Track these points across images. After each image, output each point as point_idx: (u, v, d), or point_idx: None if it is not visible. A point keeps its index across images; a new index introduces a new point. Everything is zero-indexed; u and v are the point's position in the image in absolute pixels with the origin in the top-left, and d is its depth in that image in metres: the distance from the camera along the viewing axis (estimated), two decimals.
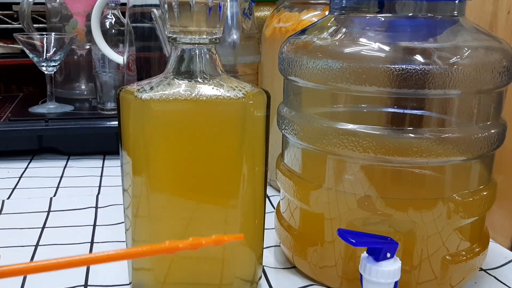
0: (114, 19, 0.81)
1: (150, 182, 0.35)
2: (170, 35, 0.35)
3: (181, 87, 0.34)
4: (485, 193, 0.38)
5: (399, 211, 0.36)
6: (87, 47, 0.85)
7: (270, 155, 0.38)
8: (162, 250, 0.20)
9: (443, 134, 0.35)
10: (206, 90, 0.34)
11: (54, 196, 0.59)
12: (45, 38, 0.73)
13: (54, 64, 0.76)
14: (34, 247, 0.46)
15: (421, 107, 0.35)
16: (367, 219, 0.37)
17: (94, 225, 0.51)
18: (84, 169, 0.68)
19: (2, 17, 0.97)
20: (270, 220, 0.46)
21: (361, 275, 0.32)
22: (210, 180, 0.36)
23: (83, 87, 0.89)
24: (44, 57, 0.74)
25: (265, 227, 0.39)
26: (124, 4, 0.73)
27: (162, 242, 0.20)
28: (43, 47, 0.73)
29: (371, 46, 0.35)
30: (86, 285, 0.40)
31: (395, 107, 0.36)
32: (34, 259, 0.44)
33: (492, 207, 0.40)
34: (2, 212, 0.54)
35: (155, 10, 0.60)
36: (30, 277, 0.41)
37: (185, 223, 0.36)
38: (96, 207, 0.56)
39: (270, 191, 0.60)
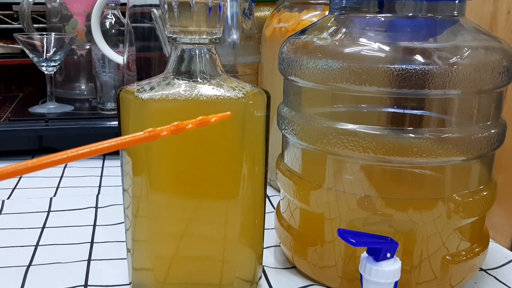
0: (114, 19, 0.81)
1: (150, 182, 0.35)
2: (170, 35, 0.35)
3: (181, 87, 0.34)
4: (485, 193, 0.38)
5: (399, 211, 0.36)
6: (87, 47, 0.85)
7: (270, 155, 0.38)
8: (143, 139, 0.21)
9: (443, 134, 0.35)
10: (206, 90, 0.34)
11: (54, 196, 0.59)
12: (45, 38, 0.73)
13: (54, 64, 0.76)
14: (34, 247, 0.46)
15: (421, 107, 0.35)
16: (367, 219, 0.37)
17: (94, 225, 0.51)
18: (84, 169, 0.68)
19: (2, 17, 0.97)
20: (270, 220, 0.46)
21: (361, 275, 0.32)
22: (210, 180, 0.36)
23: (83, 87, 0.89)
24: (44, 57, 0.74)
25: (265, 227, 0.39)
26: (124, 4, 0.73)
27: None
28: (43, 47, 0.73)
29: (371, 46, 0.35)
30: (86, 285, 0.40)
31: (395, 107, 0.36)
32: (34, 259, 0.44)
33: (492, 207, 0.40)
34: (2, 212, 0.54)
35: (155, 10, 0.60)
36: (30, 277, 0.41)
37: (185, 223, 0.36)
38: (96, 207, 0.56)
39: (270, 191, 0.60)
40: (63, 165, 0.70)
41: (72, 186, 0.62)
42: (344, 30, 0.38)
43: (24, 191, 0.61)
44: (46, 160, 0.18)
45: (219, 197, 0.36)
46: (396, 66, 0.34)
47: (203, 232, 0.37)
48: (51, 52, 0.74)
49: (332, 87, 0.36)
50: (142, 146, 0.35)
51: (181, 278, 0.38)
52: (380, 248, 0.31)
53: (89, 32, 0.79)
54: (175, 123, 0.21)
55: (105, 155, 0.74)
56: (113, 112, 0.77)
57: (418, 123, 0.36)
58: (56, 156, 0.18)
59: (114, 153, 0.73)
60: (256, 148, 0.36)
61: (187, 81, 0.35)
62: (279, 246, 0.46)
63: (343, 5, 0.39)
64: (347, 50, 0.36)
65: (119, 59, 0.74)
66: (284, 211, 0.44)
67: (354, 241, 0.31)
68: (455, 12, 0.37)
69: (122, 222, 0.46)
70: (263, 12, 0.81)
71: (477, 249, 0.39)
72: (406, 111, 0.36)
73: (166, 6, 0.33)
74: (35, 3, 0.82)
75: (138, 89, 0.35)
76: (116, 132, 0.36)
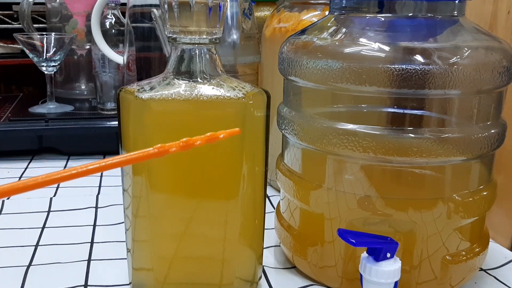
0: (114, 19, 0.81)
1: (150, 182, 0.35)
2: (170, 35, 0.35)
3: (181, 87, 0.34)
4: (485, 193, 0.38)
5: (399, 211, 0.36)
6: (87, 47, 0.85)
7: (270, 155, 0.38)
8: (152, 155, 0.21)
9: (443, 134, 0.35)
10: (206, 90, 0.34)
11: (54, 196, 0.59)
12: (45, 38, 0.73)
13: (54, 64, 0.76)
14: (34, 247, 0.46)
15: (421, 107, 0.35)
16: (367, 219, 0.37)
17: (94, 225, 0.51)
18: None
19: (2, 17, 0.97)
20: (270, 220, 0.46)
21: (361, 275, 0.32)
22: (210, 180, 0.36)
23: (83, 87, 0.89)
24: (44, 57, 0.74)
25: (265, 227, 0.39)
26: (124, 4, 0.73)
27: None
28: (43, 47, 0.73)
29: (371, 46, 0.35)
30: (86, 285, 0.40)
31: (395, 107, 0.36)
32: (34, 259, 0.44)
33: (492, 207, 0.40)
34: (2, 212, 0.54)
35: (155, 10, 0.60)
36: (30, 277, 0.41)
37: (185, 223, 0.36)
38: (96, 207, 0.56)
39: (270, 191, 0.60)
40: (63, 165, 0.70)
41: (72, 186, 0.62)
42: (344, 30, 0.38)
43: None
44: (56, 176, 0.18)
45: (219, 197, 0.36)
46: (396, 66, 0.34)
47: (203, 232, 0.37)
48: (51, 52, 0.74)
49: (332, 87, 0.36)
50: (142, 146, 0.35)
51: (181, 278, 0.38)
52: (380, 248, 0.31)
53: (89, 32, 0.79)
54: (184, 139, 0.21)
55: (105, 155, 0.74)
56: (113, 112, 0.77)
57: (418, 123, 0.36)
58: (65, 172, 0.19)
59: (114, 153, 0.74)
60: (256, 148, 0.36)
61: (187, 81, 0.35)
62: (279, 246, 0.46)
63: (343, 5, 0.39)
64: (347, 50, 0.36)
65: (119, 59, 0.74)
66: (284, 211, 0.44)
67: (354, 241, 0.31)
68: (455, 12, 0.37)
69: (122, 222, 0.46)
70: (263, 12, 0.81)
71: (477, 249, 0.39)
72: (406, 111, 0.36)
73: (166, 6, 0.33)
74: (35, 3, 0.82)
75: (138, 89, 0.35)
76: (116, 132, 0.37)
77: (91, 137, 0.73)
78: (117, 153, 0.34)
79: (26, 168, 0.68)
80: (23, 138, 0.72)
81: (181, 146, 0.21)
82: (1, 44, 0.96)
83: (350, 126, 0.36)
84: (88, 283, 0.41)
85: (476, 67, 0.34)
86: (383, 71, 0.34)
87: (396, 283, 0.31)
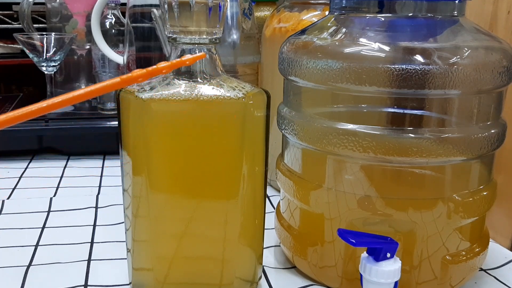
0: (114, 19, 0.81)
1: (150, 182, 0.35)
2: (170, 35, 0.35)
3: (181, 87, 0.34)
4: (485, 193, 0.38)
5: (399, 211, 0.36)
6: (87, 47, 0.85)
7: (270, 155, 0.38)
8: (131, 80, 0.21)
9: (443, 134, 0.35)
10: (206, 90, 0.34)
11: (54, 196, 0.59)
12: (45, 38, 0.73)
13: (54, 64, 0.76)
14: (34, 247, 0.46)
15: (421, 107, 0.35)
16: (367, 219, 0.37)
17: (94, 225, 0.51)
18: (84, 169, 0.68)
19: (2, 17, 0.97)
20: (270, 220, 0.46)
21: (361, 275, 0.32)
22: (210, 180, 0.36)
23: (83, 87, 0.89)
24: (44, 57, 0.74)
25: (265, 227, 0.39)
26: (124, 4, 0.73)
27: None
28: (43, 47, 0.73)
29: (371, 46, 0.35)
30: (86, 285, 0.40)
31: (395, 107, 0.36)
32: (34, 259, 0.44)
33: (492, 207, 0.40)
34: (2, 212, 0.54)
35: (155, 10, 0.60)
36: (30, 277, 0.41)
37: (185, 223, 0.36)
38: (96, 207, 0.56)
39: (270, 191, 0.60)
40: (63, 165, 0.70)
41: (72, 186, 0.62)
42: (344, 30, 0.38)
43: (24, 191, 0.61)
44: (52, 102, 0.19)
45: (219, 197, 0.36)
46: (396, 66, 0.34)
47: (203, 232, 0.37)
48: (51, 52, 0.74)
49: (332, 87, 0.36)
50: (142, 146, 0.35)
51: (181, 278, 0.38)
52: (380, 248, 0.31)
53: (89, 32, 0.79)
54: (151, 68, 0.22)
55: (105, 155, 0.74)
56: (113, 112, 0.77)
57: (418, 123, 0.36)
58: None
59: (114, 153, 0.74)
60: (256, 148, 0.36)
61: (187, 81, 0.35)
62: (279, 246, 0.46)
63: (343, 5, 0.39)
64: (347, 50, 0.36)
65: (119, 59, 0.74)
66: (284, 211, 0.44)
67: (354, 241, 0.31)
68: (455, 12, 0.37)
69: (122, 222, 0.46)
70: (263, 12, 0.81)
71: (477, 249, 0.39)
72: (406, 111, 0.36)
73: (166, 6, 0.33)
74: (35, 3, 0.82)
75: (138, 89, 0.35)
76: (116, 132, 0.37)
77: (91, 137, 0.73)
78: (117, 153, 0.34)
79: (26, 168, 0.68)
80: (23, 138, 0.72)
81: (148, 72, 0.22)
82: (1, 44, 0.96)
83: (350, 126, 0.36)
84: (88, 283, 0.41)
85: (476, 67, 0.34)
86: (383, 71, 0.34)
87: (396, 283, 0.31)
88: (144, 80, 0.24)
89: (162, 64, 0.24)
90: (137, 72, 0.23)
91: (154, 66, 0.24)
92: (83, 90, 0.22)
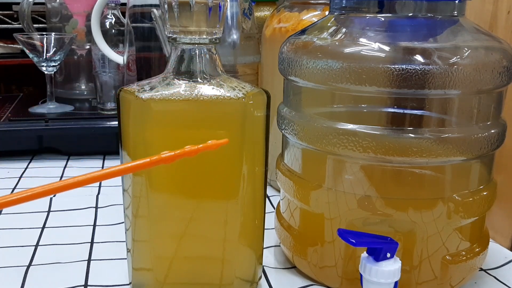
0: (114, 19, 0.81)
1: (150, 182, 0.35)
2: (170, 35, 0.35)
3: (181, 87, 0.34)
4: (485, 193, 0.38)
5: (399, 211, 0.36)
6: (87, 47, 0.85)
7: (270, 155, 0.38)
8: (158, 161, 0.21)
9: (443, 134, 0.35)
10: (206, 90, 0.34)
11: (54, 196, 0.59)
12: (45, 38, 0.73)
13: (54, 64, 0.76)
14: (34, 247, 0.46)
15: (421, 107, 0.35)
16: (367, 219, 0.37)
17: (94, 225, 0.51)
18: (84, 169, 0.68)
19: (2, 17, 0.97)
20: (270, 220, 0.46)
21: (361, 275, 0.32)
22: (210, 180, 0.36)
23: (83, 87, 0.89)
24: (44, 57, 0.74)
25: (265, 227, 0.39)
26: (124, 4, 0.73)
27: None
28: (43, 47, 0.73)
29: (371, 46, 0.35)
30: (86, 285, 0.40)
31: (395, 107, 0.36)
32: (34, 259, 0.44)
33: (492, 207, 0.40)
34: (2, 212, 0.54)
35: (155, 10, 0.60)
36: (30, 277, 0.41)
37: (185, 223, 0.36)
38: (96, 207, 0.56)
39: (270, 191, 0.60)
40: (63, 165, 0.70)
41: None
42: (344, 30, 0.38)
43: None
44: (64, 183, 0.18)
45: (219, 197, 0.36)
46: (396, 66, 0.34)
47: (203, 232, 0.37)
48: (51, 52, 0.74)
49: (332, 87, 0.36)
50: (142, 146, 0.35)
51: (181, 278, 0.38)
52: (380, 248, 0.31)
53: (89, 32, 0.79)
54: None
55: (105, 155, 0.74)
56: (113, 112, 0.77)
57: (418, 123, 0.36)
58: (74, 179, 0.19)
59: (114, 153, 0.74)
60: (256, 148, 0.36)
61: (187, 81, 0.35)
62: (279, 246, 0.46)
63: (343, 5, 0.39)
64: (347, 50, 0.36)
65: (119, 59, 0.74)
66: (284, 211, 0.44)
67: (354, 241, 0.31)
68: (455, 12, 0.37)
69: (122, 222, 0.46)
70: (263, 12, 0.81)
71: (477, 249, 0.39)
72: (406, 111, 0.36)
73: (166, 6, 0.33)
74: (35, 3, 0.82)
75: (138, 89, 0.35)
76: (116, 132, 0.37)
77: (91, 137, 0.73)
78: (117, 153, 0.34)
79: (26, 168, 0.68)
80: (23, 138, 0.72)
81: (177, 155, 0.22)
82: (1, 44, 0.96)
83: (350, 126, 0.36)
84: (88, 283, 0.41)
85: (476, 67, 0.34)
86: (383, 71, 0.34)
87: (396, 283, 0.31)
88: (172, 162, 0.24)
89: (187, 147, 0.24)
90: (166, 153, 0.23)
91: (182, 149, 0.24)
92: (103, 172, 0.22)
